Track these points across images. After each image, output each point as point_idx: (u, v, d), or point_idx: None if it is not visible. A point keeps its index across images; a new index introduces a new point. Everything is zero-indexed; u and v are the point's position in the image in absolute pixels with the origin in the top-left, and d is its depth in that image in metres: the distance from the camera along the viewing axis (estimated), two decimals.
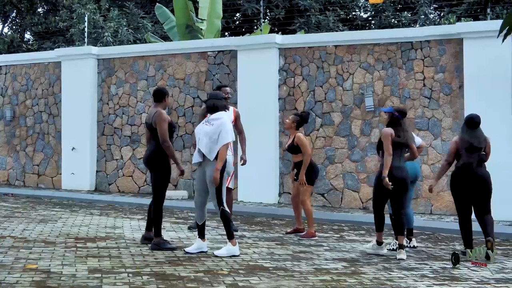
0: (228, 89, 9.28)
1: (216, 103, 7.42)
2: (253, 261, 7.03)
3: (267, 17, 23.66)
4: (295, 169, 9.04)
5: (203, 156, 7.26)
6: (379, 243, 7.77)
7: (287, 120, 9.13)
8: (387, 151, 7.48)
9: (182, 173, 7.87)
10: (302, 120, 9.05)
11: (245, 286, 5.81)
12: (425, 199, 11.61)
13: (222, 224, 7.42)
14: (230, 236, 7.28)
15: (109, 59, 15.20)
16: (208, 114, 7.52)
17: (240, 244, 8.05)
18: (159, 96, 7.78)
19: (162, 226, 7.81)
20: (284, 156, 12.70)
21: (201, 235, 7.45)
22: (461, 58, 11.44)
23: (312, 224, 8.93)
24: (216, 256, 7.16)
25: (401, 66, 12.03)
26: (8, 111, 16.21)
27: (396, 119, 7.68)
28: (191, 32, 17.89)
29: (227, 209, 7.28)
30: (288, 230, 9.37)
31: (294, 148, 8.89)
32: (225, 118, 7.35)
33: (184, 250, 7.42)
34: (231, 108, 8.90)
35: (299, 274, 6.40)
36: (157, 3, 19.78)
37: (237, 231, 8.84)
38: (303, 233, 8.98)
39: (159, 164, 7.58)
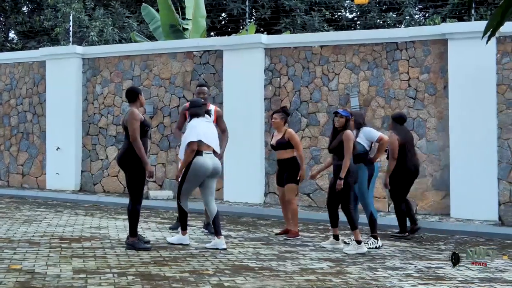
0: (205, 89, 9.03)
1: (196, 111, 7.98)
2: (239, 261, 7.03)
3: (253, 17, 23.66)
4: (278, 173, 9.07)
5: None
6: (358, 241, 7.92)
7: (274, 120, 8.91)
8: (349, 153, 7.86)
9: (150, 175, 7.53)
10: (287, 115, 8.99)
11: (231, 286, 5.81)
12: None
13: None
14: (182, 228, 7.93)
15: (94, 59, 15.13)
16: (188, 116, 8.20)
17: (226, 244, 8.06)
18: (132, 95, 7.69)
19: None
20: (269, 156, 12.71)
21: (215, 232, 7.82)
22: (445, 59, 11.51)
23: (296, 223, 8.92)
24: (170, 243, 7.86)
25: (386, 66, 12.08)
26: None
27: (350, 123, 8.08)
28: (176, 32, 17.85)
29: (182, 203, 7.78)
30: (277, 231, 9.26)
31: (285, 144, 8.74)
32: (190, 123, 7.94)
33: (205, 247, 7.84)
34: (213, 107, 8.94)
35: (284, 274, 6.41)
36: (143, 4, 19.71)
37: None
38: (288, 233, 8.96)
39: (131, 164, 7.46)
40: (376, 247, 8.13)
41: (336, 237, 8.25)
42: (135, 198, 7.56)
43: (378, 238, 8.33)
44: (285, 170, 8.81)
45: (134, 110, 7.50)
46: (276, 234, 9.09)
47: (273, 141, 8.92)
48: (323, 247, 8.15)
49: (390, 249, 8.22)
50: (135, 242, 7.54)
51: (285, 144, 8.75)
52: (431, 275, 6.66)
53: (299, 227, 9.10)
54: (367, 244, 8.08)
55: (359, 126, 8.42)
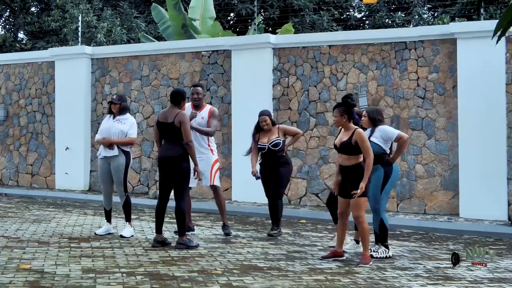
0: (199, 89, 9.03)
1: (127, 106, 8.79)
2: (247, 261, 7.03)
3: (261, 17, 23.66)
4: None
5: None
6: (357, 241, 7.88)
7: (334, 118, 7.35)
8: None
9: (199, 175, 7.90)
10: (350, 107, 7.20)
11: (239, 286, 5.81)
12: (419, 199, 11.64)
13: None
14: (129, 219, 8.56)
15: (103, 59, 15.17)
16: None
17: (234, 244, 8.09)
18: (177, 98, 7.82)
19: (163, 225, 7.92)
20: None
21: (108, 219, 8.65)
22: (454, 58, 11.47)
23: (368, 245, 7.19)
24: (122, 237, 8.29)
25: (395, 66, 12.05)
26: (1, 111, 16.16)
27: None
28: (187, 32, 17.85)
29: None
30: (323, 255, 7.51)
31: (351, 147, 7.07)
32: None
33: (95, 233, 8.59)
34: (208, 106, 8.95)
35: (293, 274, 6.40)
36: (153, 3, 19.67)
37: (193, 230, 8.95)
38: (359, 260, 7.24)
39: (184, 163, 7.65)
40: (386, 257, 7.47)
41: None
42: (184, 197, 7.72)
43: (389, 248, 7.65)
44: (349, 180, 7.10)
45: (185, 113, 7.79)
46: (323, 257, 7.36)
47: (337, 141, 7.26)
48: (331, 247, 8.07)
49: (399, 249, 8.20)
50: (186, 241, 7.66)
51: (350, 147, 7.08)
52: (440, 275, 6.64)
53: (329, 232, 9.05)
54: (377, 253, 7.43)
55: (375, 123, 7.56)
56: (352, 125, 7.15)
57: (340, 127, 7.30)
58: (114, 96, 8.73)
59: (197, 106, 8.87)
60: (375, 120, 7.59)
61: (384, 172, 7.47)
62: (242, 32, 22.51)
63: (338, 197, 7.27)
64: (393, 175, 7.63)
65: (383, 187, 7.50)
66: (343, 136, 7.15)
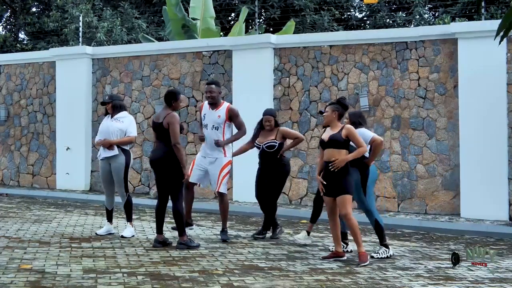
0: (213, 87, 8.49)
1: (121, 104, 8.65)
2: (248, 261, 7.03)
3: (262, 17, 23.67)
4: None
5: None
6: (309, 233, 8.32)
7: (325, 113, 7.38)
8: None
9: (187, 177, 7.86)
10: (344, 107, 7.44)
11: (240, 286, 5.81)
12: (419, 199, 11.64)
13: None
14: (130, 219, 8.57)
15: (103, 59, 15.17)
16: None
17: (235, 244, 8.09)
18: (168, 99, 7.74)
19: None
20: None
21: (110, 219, 8.66)
22: (455, 58, 11.46)
23: (360, 242, 7.15)
24: (123, 237, 8.29)
25: (395, 66, 12.05)
26: (2, 111, 16.17)
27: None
28: (187, 32, 17.86)
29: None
30: (324, 255, 7.50)
31: (340, 142, 7.14)
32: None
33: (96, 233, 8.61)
34: (225, 104, 8.58)
35: (294, 274, 6.40)
36: (163, 7, 19.60)
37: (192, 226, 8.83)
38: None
39: (173, 164, 7.56)
40: (387, 257, 7.46)
41: (308, 233, 8.35)
42: (179, 198, 7.68)
43: (389, 247, 7.64)
44: (334, 178, 7.14)
45: (175, 114, 7.66)
46: (324, 258, 7.36)
47: (325, 136, 7.30)
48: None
49: (400, 249, 8.20)
50: (187, 241, 7.66)
51: (340, 140, 7.16)
52: (441, 275, 6.64)
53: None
54: (378, 254, 7.45)
55: (355, 126, 7.52)
56: (339, 123, 7.30)
57: (324, 128, 7.52)
58: (106, 97, 8.78)
59: (213, 105, 8.45)
60: (355, 123, 7.69)
61: (361, 174, 7.55)
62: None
63: (324, 197, 7.36)
64: (371, 175, 7.72)
65: (364, 188, 7.61)
66: (331, 131, 7.26)
